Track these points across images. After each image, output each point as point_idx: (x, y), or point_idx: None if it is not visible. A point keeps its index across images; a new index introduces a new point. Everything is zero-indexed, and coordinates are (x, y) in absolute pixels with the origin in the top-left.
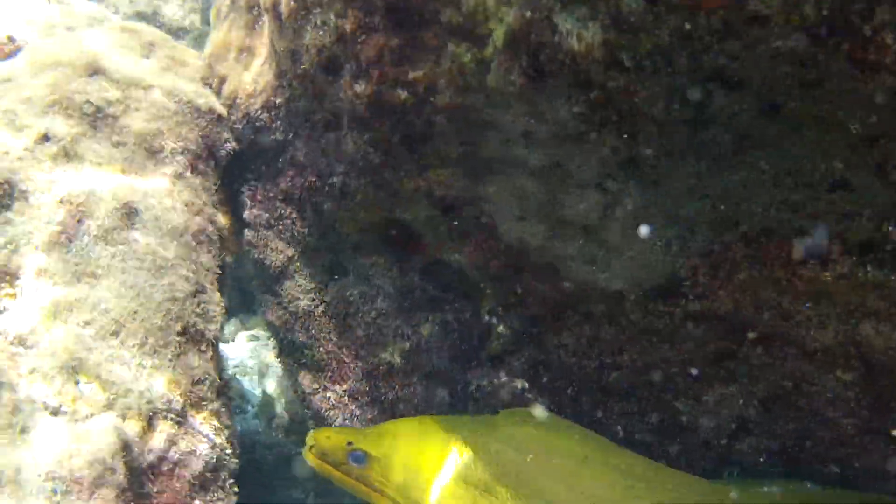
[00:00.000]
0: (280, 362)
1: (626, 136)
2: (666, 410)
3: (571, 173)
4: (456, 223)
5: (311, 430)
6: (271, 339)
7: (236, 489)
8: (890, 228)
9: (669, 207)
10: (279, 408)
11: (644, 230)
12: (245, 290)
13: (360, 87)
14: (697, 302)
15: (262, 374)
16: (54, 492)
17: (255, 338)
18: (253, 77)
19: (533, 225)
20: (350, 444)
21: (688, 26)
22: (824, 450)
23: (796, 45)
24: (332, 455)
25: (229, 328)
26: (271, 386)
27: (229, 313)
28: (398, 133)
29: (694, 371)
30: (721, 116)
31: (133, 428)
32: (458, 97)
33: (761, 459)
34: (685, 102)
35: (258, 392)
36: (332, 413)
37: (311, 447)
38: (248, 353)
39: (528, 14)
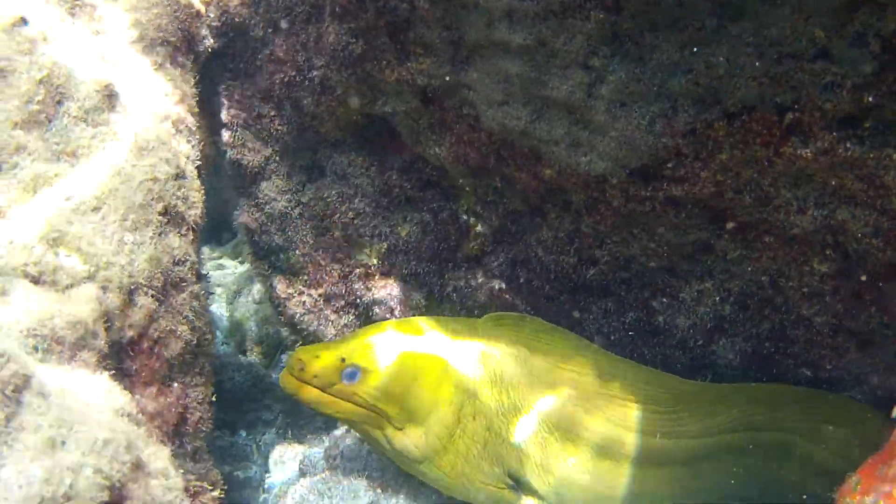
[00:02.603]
0: (254, 267)
1: (611, 8)
2: (643, 310)
3: (556, 52)
4: (437, 114)
5: (292, 352)
6: (239, 265)
7: (213, 378)
8: (870, 100)
9: (653, 84)
10: (248, 331)
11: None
12: (212, 218)
13: None
14: (679, 185)
15: (229, 301)
16: (35, 349)
17: (223, 266)
18: None
19: (516, 108)
20: (343, 360)
21: None
22: (799, 350)
23: None
24: (324, 376)
25: None
26: (240, 311)
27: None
28: (381, 20)
29: (672, 266)
30: None
31: (114, 301)
32: None
33: (736, 361)
34: None
35: (226, 317)
36: (306, 318)
37: (300, 370)
38: (216, 280)
39: None
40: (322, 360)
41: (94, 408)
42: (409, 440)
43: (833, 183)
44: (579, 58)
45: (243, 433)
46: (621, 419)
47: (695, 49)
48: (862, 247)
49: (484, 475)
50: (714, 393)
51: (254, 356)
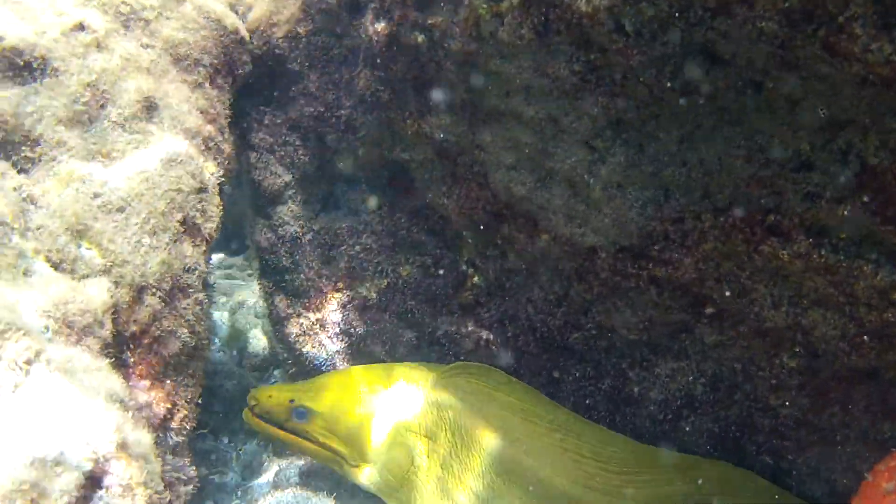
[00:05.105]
0: (259, 284)
1: (618, 97)
2: (619, 378)
3: (564, 128)
4: (449, 168)
5: (252, 390)
6: (247, 277)
7: (203, 381)
8: (846, 213)
9: (649, 170)
10: (245, 342)
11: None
12: (227, 227)
13: (380, 26)
14: (663, 267)
15: (232, 310)
16: (46, 328)
17: (232, 276)
18: (278, 7)
19: (522, 174)
20: (292, 401)
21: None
22: (763, 439)
23: (778, 27)
24: (276, 413)
25: None
26: (241, 321)
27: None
28: (410, 74)
29: (651, 341)
30: (706, 88)
31: (123, 296)
32: (471, 45)
33: (702, 440)
34: (675, 71)
35: (227, 325)
36: (301, 339)
37: (252, 407)
38: (223, 288)
39: None
40: (273, 399)
41: (91, 388)
42: (364, 477)
43: (807, 285)
44: (584, 137)
45: (225, 440)
46: (572, 473)
47: (691, 144)
48: (830, 348)
49: None
50: (673, 461)
51: (247, 367)
